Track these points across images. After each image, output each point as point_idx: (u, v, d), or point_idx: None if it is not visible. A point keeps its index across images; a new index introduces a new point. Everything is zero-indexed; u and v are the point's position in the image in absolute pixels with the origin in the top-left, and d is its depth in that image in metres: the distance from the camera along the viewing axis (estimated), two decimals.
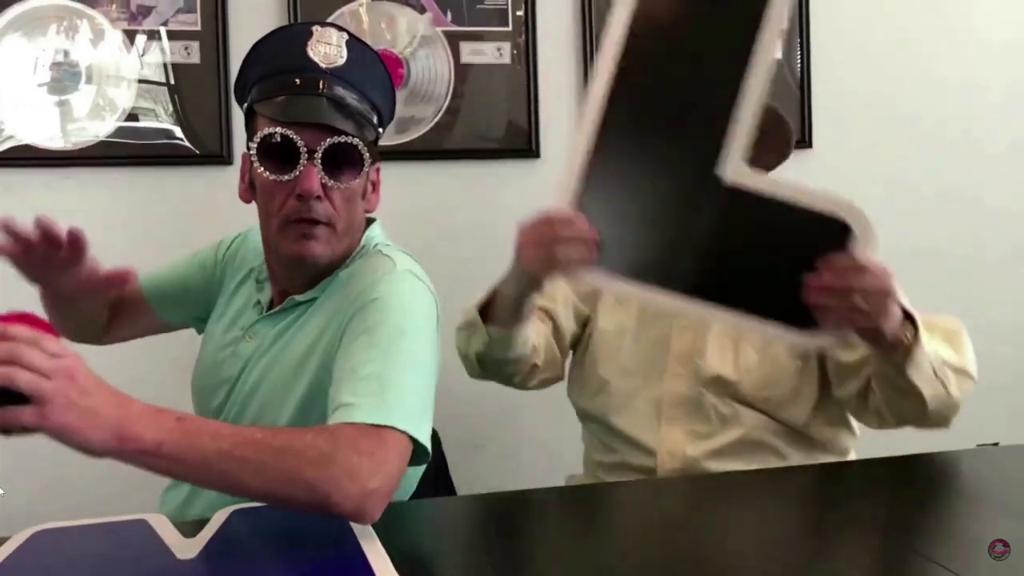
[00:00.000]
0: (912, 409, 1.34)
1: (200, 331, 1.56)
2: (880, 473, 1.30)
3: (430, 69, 2.27)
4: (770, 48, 1.15)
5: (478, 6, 2.29)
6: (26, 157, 2.12)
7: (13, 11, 2.10)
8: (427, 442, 1.13)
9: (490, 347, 1.53)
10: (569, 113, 2.35)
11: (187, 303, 1.54)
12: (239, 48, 2.18)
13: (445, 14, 2.28)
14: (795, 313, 1.19)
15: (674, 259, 1.22)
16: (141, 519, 1.15)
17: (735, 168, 1.17)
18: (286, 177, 1.23)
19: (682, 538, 1.11)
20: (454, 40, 2.28)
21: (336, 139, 1.24)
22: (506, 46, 2.30)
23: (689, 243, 1.21)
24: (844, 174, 2.35)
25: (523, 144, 2.32)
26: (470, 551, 1.08)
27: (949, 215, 2.56)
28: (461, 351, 1.62)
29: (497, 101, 2.31)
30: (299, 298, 1.32)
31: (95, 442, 0.93)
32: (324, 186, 1.24)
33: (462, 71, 2.29)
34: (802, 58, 2.43)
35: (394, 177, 2.28)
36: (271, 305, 1.38)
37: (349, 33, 1.31)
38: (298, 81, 1.26)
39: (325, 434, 1.06)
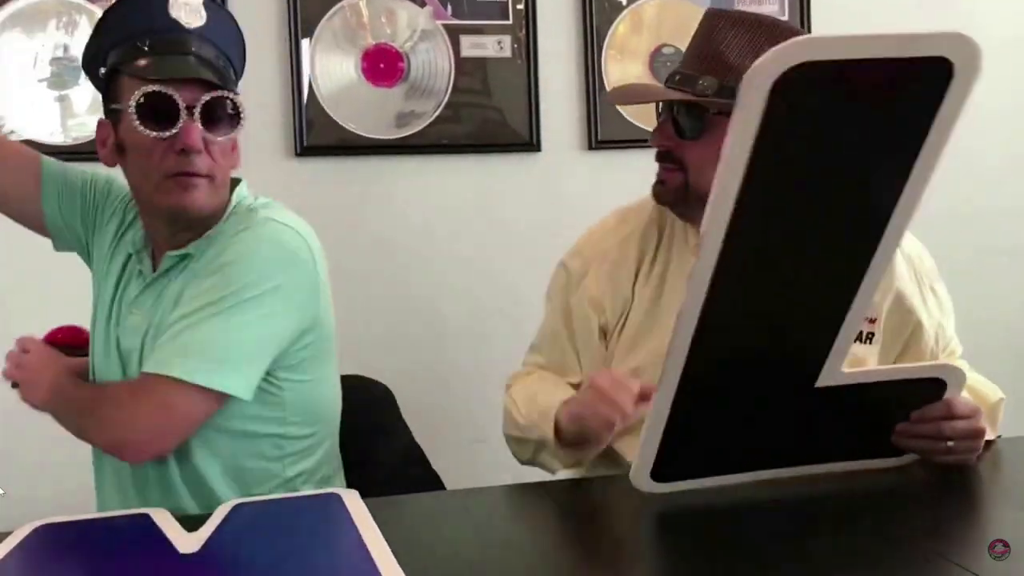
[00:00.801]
0: None
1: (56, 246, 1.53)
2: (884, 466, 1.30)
3: (430, 63, 2.27)
4: (889, 256, 1.05)
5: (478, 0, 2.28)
6: None
7: (13, 6, 2.10)
8: (223, 386, 1.22)
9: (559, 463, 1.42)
10: (569, 106, 2.35)
11: (74, 213, 1.47)
12: None
13: (445, 8, 2.27)
14: (880, 448, 1.26)
15: (759, 449, 1.22)
16: (143, 513, 1.16)
17: (830, 374, 1.13)
18: (167, 133, 1.24)
19: (686, 530, 1.11)
20: (454, 34, 2.28)
21: (213, 94, 1.26)
22: (506, 39, 2.30)
23: (777, 435, 1.21)
24: None
25: (524, 138, 2.32)
26: (472, 544, 1.08)
27: (950, 208, 2.55)
28: (516, 454, 1.48)
29: (497, 95, 2.31)
30: (173, 253, 1.33)
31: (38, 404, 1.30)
32: (204, 140, 1.27)
33: (462, 65, 2.28)
34: None
35: (394, 171, 2.29)
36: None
37: None
38: (165, 41, 1.28)
39: (97, 390, 1.33)
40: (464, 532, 1.12)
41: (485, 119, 2.30)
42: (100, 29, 1.34)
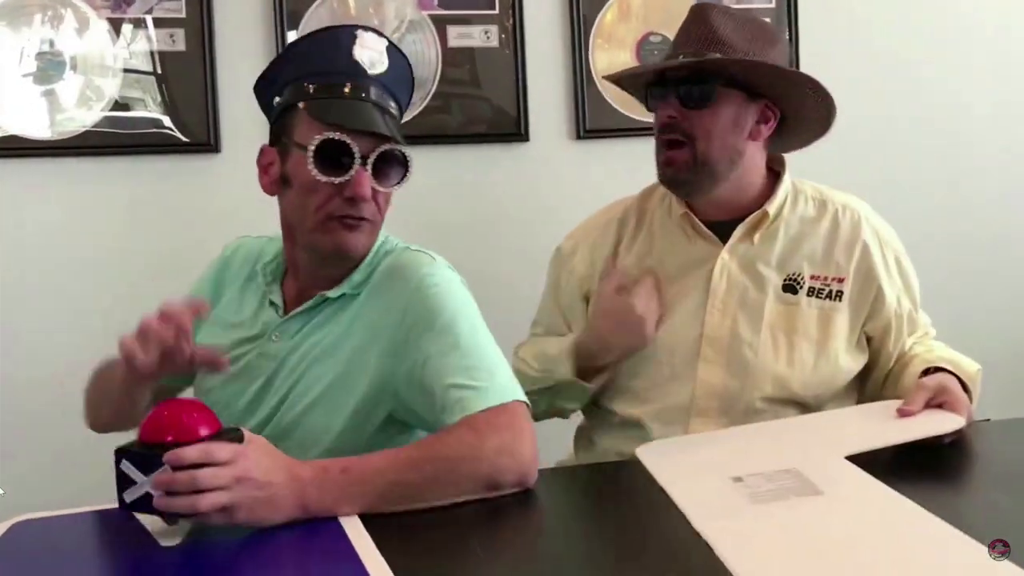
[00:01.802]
0: None
1: None
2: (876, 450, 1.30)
3: (417, 54, 2.26)
4: None
5: None
6: (14, 148, 2.11)
7: None
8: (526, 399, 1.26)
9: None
10: (557, 95, 2.34)
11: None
12: (224, 35, 2.18)
13: None
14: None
15: None
16: None
17: None
18: (339, 180, 1.27)
19: (674, 514, 1.10)
20: (441, 24, 2.27)
21: (387, 147, 1.29)
22: (493, 29, 2.29)
23: None
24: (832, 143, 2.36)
25: (511, 128, 2.31)
26: (456, 533, 1.08)
27: (941, 202, 2.55)
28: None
29: (485, 85, 2.30)
30: (331, 294, 1.34)
31: (280, 520, 1.05)
32: (372, 188, 1.29)
33: (449, 55, 2.28)
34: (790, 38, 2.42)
35: None
36: (286, 305, 1.39)
37: (387, 38, 1.37)
38: (348, 86, 1.31)
39: (464, 429, 1.17)
40: (449, 521, 1.11)
41: (473, 109, 2.30)
42: (283, 59, 1.38)
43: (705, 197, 1.56)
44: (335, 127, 1.26)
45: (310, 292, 1.36)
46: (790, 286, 1.53)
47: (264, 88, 1.39)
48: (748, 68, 1.48)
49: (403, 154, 1.31)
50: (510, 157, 2.33)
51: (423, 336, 1.26)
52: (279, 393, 1.33)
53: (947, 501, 1.17)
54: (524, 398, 1.24)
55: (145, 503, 1.01)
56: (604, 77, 2.14)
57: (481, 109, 2.30)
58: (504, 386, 1.23)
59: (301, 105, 1.31)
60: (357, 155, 1.26)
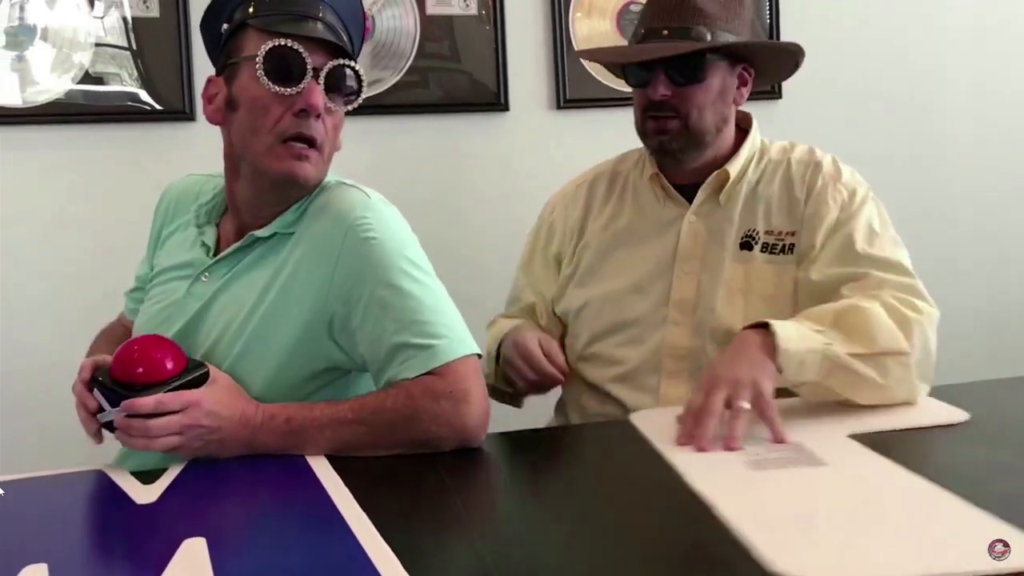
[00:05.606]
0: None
1: None
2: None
3: (396, 20, 2.23)
4: None
5: None
6: None
7: None
8: (479, 349, 1.24)
9: None
10: (537, 65, 2.32)
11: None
12: (198, 0, 2.14)
13: None
14: None
15: None
16: (98, 470, 1.14)
17: None
18: (290, 90, 1.22)
19: (669, 474, 1.10)
20: None
21: (340, 61, 1.25)
22: None
23: None
24: (810, 118, 2.38)
25: (491, 97, 2.29)
26: (437, 492, 1.07)
27: (908, 172, 2.56)
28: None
29: (464, 53, 2.27)
30: (259, 234, 1.29)
31: (229, 455, 1.16)
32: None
33: (428, 23, 2.25)
34: (771, 11, 2.41)
35: (362, 132, 2.24)
36: (218, 246, 1.34)
37: None
38: (300, 4, 1.26)
39: (403, 396, 1.17)
40: (431, 480, 1.10)
41: (452, 78, 2.27)
42: None
43: (691, 163, 1.56)
44: (286, 36, 1.22)
45: (248, 231, 1.31)
46: (746, 243, 1.53)
47: (212, 19, 1.33)
48: (741, 47, 1.51)
49: (357, 73, 1.26)
50: (489, 127, 2.31)
51: (359, 290, 1.22)
52: (210, 336, 1.28)
53: (956, 473, 1.11)
54: (474, 349, 1.22)
55: (112, 428, 1.14)
56: (579, 54, 2.13)
57: (461, 78, 2.27)
58: (448, 343, 1.20)
59: (250, 22, 1.26)
60: (309, 66, 1.21)
